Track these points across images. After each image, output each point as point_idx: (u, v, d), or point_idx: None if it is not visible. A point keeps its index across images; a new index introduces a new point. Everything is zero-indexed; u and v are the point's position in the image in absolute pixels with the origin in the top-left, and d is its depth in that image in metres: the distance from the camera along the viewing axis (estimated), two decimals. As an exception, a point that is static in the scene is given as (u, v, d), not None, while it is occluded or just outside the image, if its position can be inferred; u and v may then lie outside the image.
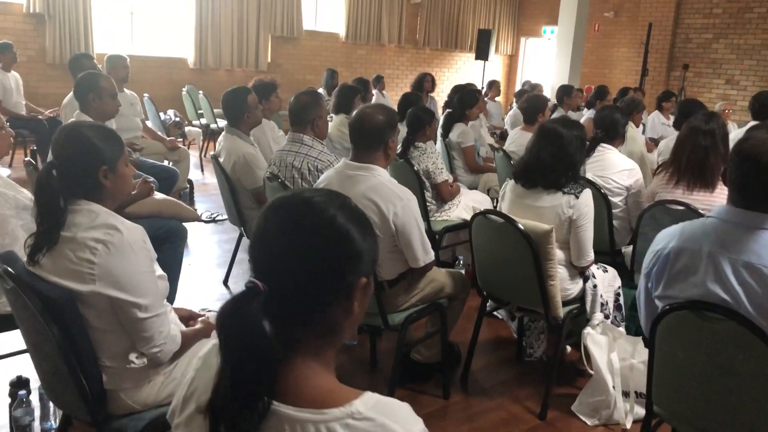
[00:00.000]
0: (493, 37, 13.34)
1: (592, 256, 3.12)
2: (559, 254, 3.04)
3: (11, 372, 2.78)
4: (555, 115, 6.42)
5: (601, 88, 7.86)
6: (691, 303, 1.97)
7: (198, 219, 3.99)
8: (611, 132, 4.01)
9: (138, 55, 9.72)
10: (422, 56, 14.07)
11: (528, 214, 3.05)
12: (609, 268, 3.35)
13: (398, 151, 4.12)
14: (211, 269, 4.80)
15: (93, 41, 9.86)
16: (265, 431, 0.98)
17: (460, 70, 14.63)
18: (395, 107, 8.73)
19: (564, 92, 7.41)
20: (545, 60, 14.48)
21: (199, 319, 2.28)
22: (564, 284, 3.08)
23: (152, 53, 10.45)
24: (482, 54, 13.12)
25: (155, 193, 3.53)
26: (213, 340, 1.20)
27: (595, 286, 3.16)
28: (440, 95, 11.71)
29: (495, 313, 3.94)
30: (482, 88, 9.68)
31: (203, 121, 9.03)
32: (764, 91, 5.62)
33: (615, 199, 3.89)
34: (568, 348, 3.63)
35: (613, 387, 3.01)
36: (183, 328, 2.16)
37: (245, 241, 4.59)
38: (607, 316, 3.20)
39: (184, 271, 3.87)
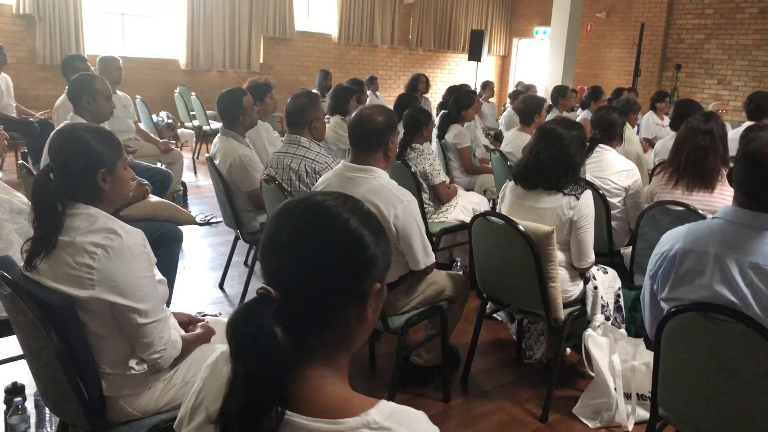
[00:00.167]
0: (486, 37, 13.35)
1: (593, 257, 3.10)
2: (559, 256, 3.02)
3: (6, 378, 2.74)
4: (550, 116, 6.41)
5: (595, 89, 7.87)
6: (698, 305, 1.95)
7: (193, 221, 3.95)
8: (609, 133, 3.99)
9: (129, 56, 9.65)
10: (415, 57, 14.06)
11: (528, 216, 3.03)
12: (609, 269, 3.33)
13: (395, 153, 4.09)
14: (207, 272, 4.76)
15: (83, 42, 9.79)
16: None
17: (452, 71, 14.62)
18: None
19: (559, 93, 7.41)
20: (538, 61, 14.50)
21: (199, 323, 2.24)
22: (565, 286, 3.06)
23: (143, 54, 10.39)
24: (475, 55, 13.14)
25: (150, 195, 3.49)
26: (221, 348, 1.17)
27: (595, 288, 3.15)
28: (434, 96, 11.70)
29: (494, 315, 3.92)
30: (475, 89, 9.67)
31: (195, 122, 8.98)
32: (759, 91, 5.63)
33: (613, 200, 3.88)
34: (568, 350, 3.61)
35: (615, 389, 2.99)
36: (183, 333, 2.12)
37: (241, 244, 4.56)
38: (607, 318, 3.18)
39: (179, 274, 3.83)
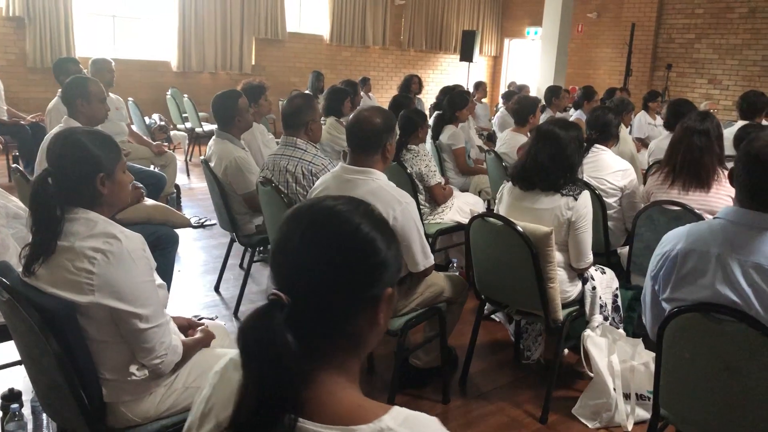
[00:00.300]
0: (477, 38, 13.37)
1: (591, 257, 3.10)
2: (558, 256, 3.02)
3: (2, 385, 2.71)
4: (544, 116, 6.42)
5: (588, 89, 7.88)
6: (700, 305, 1.95)
7: (189, 224, 3.93)
8: (605, 133, 4.00)
9: (120, 58, 9.59)
10: (407, 58, 14.06)
11: (526, 217, 3.02)
12: (606, 269, 3.34)
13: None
14: (202, 276, 4.73)
15: (74, 45, 9.73)
16: None
17: (444, 71, 14.63)
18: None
19: (552, 93, 7.43)
20: (529, 61, 14.53)
21: (198, 328, 2.22)
22: (563, 286, 3.06)
23: (134, 57, 10.33)
24: (467, 55, 13.16)
25: (145, 198, 3.47)
26: (229, 354, 1.16)
27: (594, 288, 3.15)
28: (426, 97, 11.70)
29: (492, 316, 3.91)
30: (468, 89, 9.67)
31: (188, 125, 8.94)
32: (751, 90, 5.65)
33: (609, 200, 3.88)
34: (566, 351, 3.61)
35: (614, 389, 2.99)
36: (182, 337, 2.10)
37: (236, 247, 4.54)
38: (606, 318, 3.18)
39: (174, 278, 3.81)
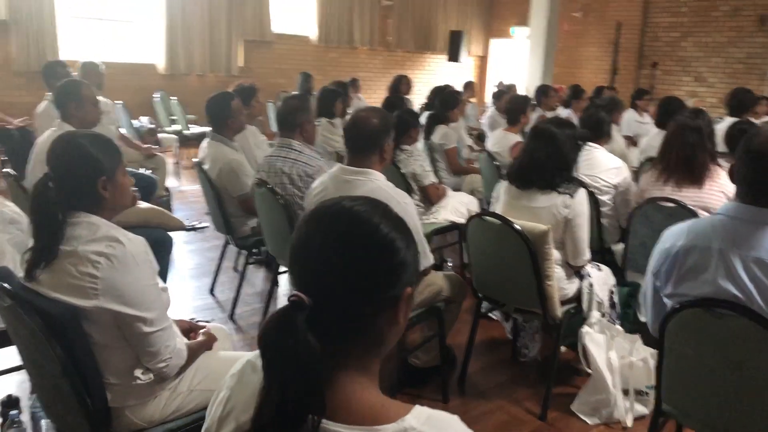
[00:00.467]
0: (465, 38, 13.39)
1: (588, 255, 3.12)
2: (555, 254, 3.03)
3: (0, 391, 2.68)
4: (534, 116, 6.44)
5: (577, 88, 7.93)
6: (702, 300, 1.97)
7: (183, 227, 3.91)
8: (597, 131, 4.03)
9: (107, 61, 9.50)
10: (394, 58, 14.05)
11: (523, 215, 3.03)
12: (603, 266, 3.35)
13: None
14: (196, 279, 4.71)
15: (59, 48, 9.64)
16: None
17: (432, 72, 14.63)
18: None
19: (542, 92, 7.46)
20: (515, 61, 14.58)
21: (201, 330, 2.21)
22: (561, 284, 3.07)
23: (121, 59, 10.26)
24: (454, 55, 13.20)
25: (138, 202, 3.45)
26: (245, 356, 1.16)
27: (591, 285, 3.16)
28: (414, 97, 11.69)
29: (489, 314, 3.92)
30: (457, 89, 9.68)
31: (176, 127, 8.89)
32: (740, 87, 5.72)
33: (603, 198, 3.91)
34: (562, 348, 3.62)
35: (613, 385, 3.01)
36: (185, 340, 2.09)
37: (230, 249, 4.53)
38: (603, 315, 3.20)
39: (168, 281, 3.79)
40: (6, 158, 6.50)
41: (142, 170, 5.53)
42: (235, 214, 3.93)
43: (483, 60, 15.91)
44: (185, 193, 7.39)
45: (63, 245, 1.81)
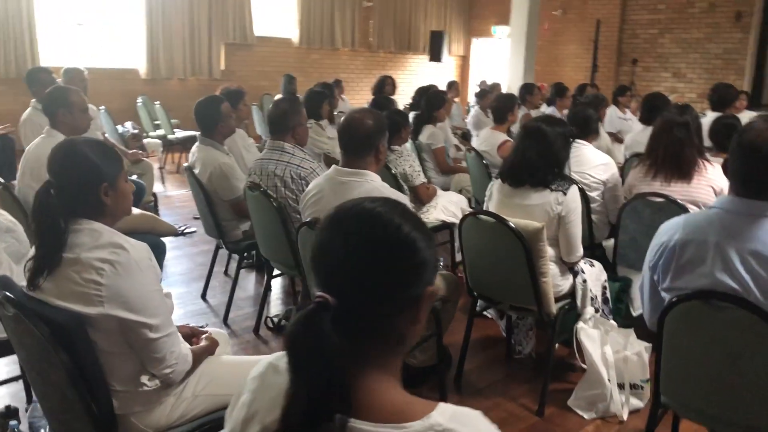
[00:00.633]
0: (446, 38, 13.45)
1: (581, 251, 3.15)
2: (549, 251, 3.06)
3: (-2, 402, 2.66)
4: (519, 114, 6.48)
5: (560, 86, 7.99)
6: (700, 293, 2.00)
7: (175, 233, 3.90)
8: (585, 128, 4.06)
9: (88, 67, 9.42)
10: (376, 59, 14.08)
11: (517, 213, 3.06)
12: (595, 262, 3.39)
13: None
14: (187, 284, 4.69)
15: (39, 54, 9.55)
16: None
17: (414, 72, 14.68)
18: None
19: (526, 90, 7.52)
20: (496, 60, 14.67)
21: (203, 336, 2.21)
22: (555, 280, 3.10)
23: (102, 65, 10.17)
24: (436, 55, 13.26)
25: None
26: (267, 359, 1.16)
27: (584, 281, 3.20)
28: (398, 98, 11.71)
29: (484, 312, 3.94)
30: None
31: (160, 132, 8.84)
32: (720, 83, 5.80)
33: (592, 194, 3.95)
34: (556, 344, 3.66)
35: (609, 380, 3.04)
36: (188, 346, 2.09)
37: (222, 253, 4.51)
38: (597, 310, 3.24)
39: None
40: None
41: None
42: (226, 218, 3.93)
43: (464, 59, 15.99)
44: (171, 198, 7.35)
45: (66, 253, 1.80)
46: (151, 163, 6.11)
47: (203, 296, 4.42)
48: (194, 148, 4.05)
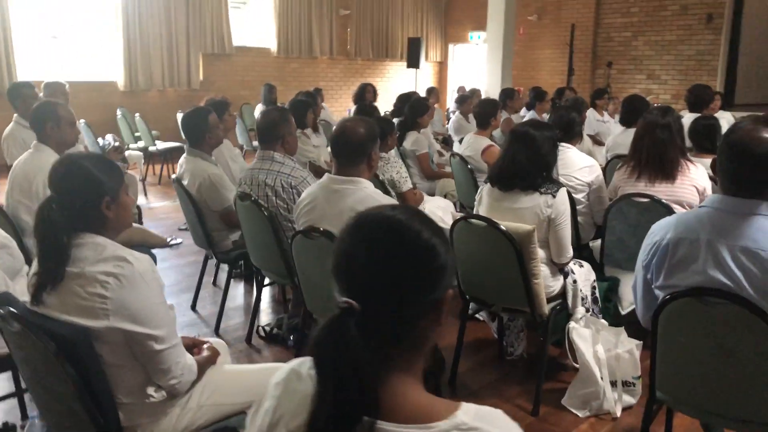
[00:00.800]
0: (423, 44, 13.53)
1: (571, 252, 3.21)
2: (540, 253, 3.11)
3: (-6, 419, 2.64)
4: (500, 118, 6.54)
5: (538, 90, 8.09)
6: (693, 290, 2.05)
7: (166, 244, 3.89)
8: (569, 132, 4.13)
9: (65, 80, 9.35)
10: (355, 67, 14.12)
11: (507, 216, 3.11)
12: (584, 262, 3.45)
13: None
14: (176, 295, 4.66)
15: (15, 68, 9.45)
16: None
17: (392, 78, 14.75)
18: (335, 119, 8.76)
19: (507, 95, 7.60)
20: (474, 65, 14.80)
21: (205, 346, 2.22)
22: (546, 282, 3.15)
23: (80, 78, 10.08)
24: (413, 62, 13.33)
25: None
26: (288, 366, 1.19)
27: (575, 282, 3.25)
28: (378, 105, 11.76)
29: (476, 315, 3.98)
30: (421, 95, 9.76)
31: (141, 143, 8.79)
32: (698, 84, 5.92)
33: (578, 196, 4.01)
34: (546, 344, 3.71)
35: (601, 378, 3.09)
36: (192, 356, 2.10)
37: (210, 264, 4.51)
38: (587, 310, 3.29)
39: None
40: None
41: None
42: (216, 228, 3.93)
43: (442, 65, 16.10)
44: (154, 210, 7.31)
45: (69, 267, 1.81)
46: (135, 176, 6.09)
47: (193, 307, 4.41)
48: (182, 159, 4.05)
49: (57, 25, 10.20)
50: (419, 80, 13.69)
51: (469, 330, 3.98)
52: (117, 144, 7.51)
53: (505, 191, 3.17)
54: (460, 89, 11.02)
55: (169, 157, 9.13)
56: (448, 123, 9.42)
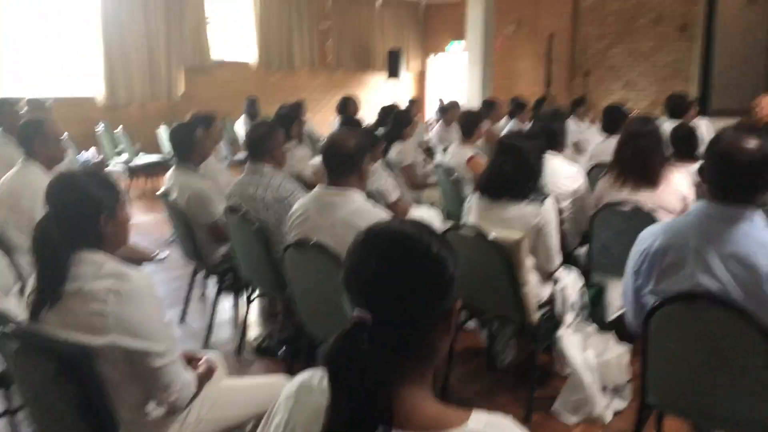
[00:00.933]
0: (403, 55, 13.62)
1: (560, 259, 3.26)
2: (528, 261, 3.15)
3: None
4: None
5: (518, 100, 8.18)
6: (683, 295, 2.10)
7: (151, 258, 3.88)
8: (553, 141, 4.18)
9: (45, 96, 9.29)
10: (335, 79, 14.17)
11: (496, 225, 3.15)
12: (573, 268, 3.50)
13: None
14: (165, 309, 4.64)
15: (-4, 84, 9.37)
16: None
17: (373, 89, 14.82)
18: (317, 131, 8.79)
19: (489, 106, 7.69)
20: (452, 75, 14.93)
21: (202, 360, 2.22)
22: (536, 289, 3.19)
23: (59, 93, 10.00)
24: (394, 73, 13.42)
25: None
26: (298, 379, 1.20)
27: (563, 288, 3.30)
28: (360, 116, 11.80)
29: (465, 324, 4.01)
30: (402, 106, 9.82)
31: (123, 158, 8.75)
32: (676, 93, 6.04)
33: (562, 204, 4.06)
34: (536, 351, 3.75)
35: (592, 384, 3.14)
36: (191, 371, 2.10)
37: (198, 277, 4.50)
38: (577, 316, 3.34)
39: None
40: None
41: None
42: (204, 241, 3.93)
43: (421, 76, 16.21)
44: (139, 224, 7.26)
45: (68, 284, 1.81)
46: (119, 191, 6.04)
47: (182, 321, 4.39)
48: (170, 173, 4.05)
49: (37, 41, 10.11)
50: (400, 91, 13.78)
51: (459, 339, 4.02)
52: (99, 159, 7.50)
53: (493, 200, 3.21)
54: (440, 101, 11.10)
55: (152, 171, 9.09)
56: (428, 133, 9.47)
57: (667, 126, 5.07)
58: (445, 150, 6.87)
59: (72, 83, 10.40)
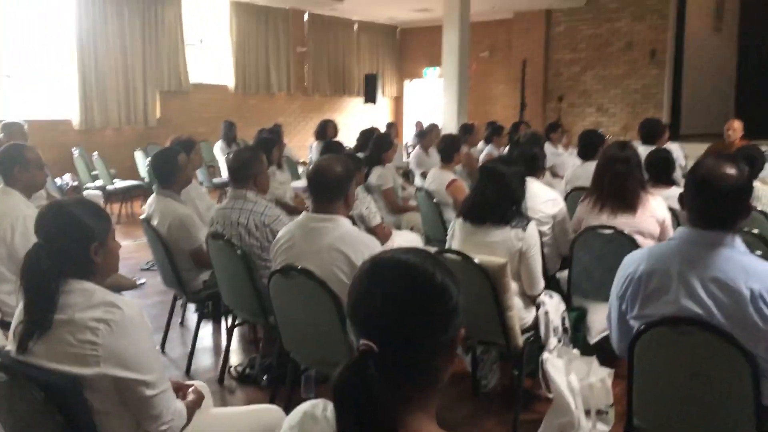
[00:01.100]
0: (379, 80, 13.75)
1: (543, 283, 3.30)
2: (512, 285, 3.19)
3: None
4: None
5: (494, 125, 8.29)
6: (667, 319, 2.14)
7: (135, 286, 3.84)
8: (532, 166, 4.25)
9: (19, 119, 9.18)
10: (312, 103, 14.23)
11: (480, 250, 3.18)
12: (554, 293, 3.53)
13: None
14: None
15: (-35, 108, 9.26)
16: None
17: (350, 114, 14.90)
18: (295, 154, 8.81)
19: (466, 130, 7.78)
20: (428, 100, 15.09)
21: (191, 389, 2.20)
22: (520, 314, 3.22)
23: (33, 116, 9.88)
24: (371, 97, 13.54)
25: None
26: (301, 409, 1.21)
27: (546, 312, 3.33)
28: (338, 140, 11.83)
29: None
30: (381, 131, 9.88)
31: (99, 182, 8.66)
32: (650, 118, 6.18)
33: (543, 228, 4.10)
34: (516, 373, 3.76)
35: (576, 407, 3.15)
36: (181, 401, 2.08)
37: (177, 304, 4.46)
38: (559, 340, 3.36)
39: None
40: None
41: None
42: (186, 268, 3.90)
43: (398, 100, 16.35)
44: (114, 250, 7.18)
45: (57, 314, 1.79)
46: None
47: (162, 349, 4.34)
48: (151, 199, 4.02)
49: (10, 64, 10.02)
50: (376, 115, 13.88)
51: (443, 363, 4.02)
52: (75, 184, 7.42)
53: (476, 225, 3.25)
54: (418, 125, 11.20)
55: (128, 196, 9.01)
56: (406, 157, 9.55)
57: (642, 150, 5.19)
58: (423, 174, 6.93)
59: (47, 106, 10.31)
